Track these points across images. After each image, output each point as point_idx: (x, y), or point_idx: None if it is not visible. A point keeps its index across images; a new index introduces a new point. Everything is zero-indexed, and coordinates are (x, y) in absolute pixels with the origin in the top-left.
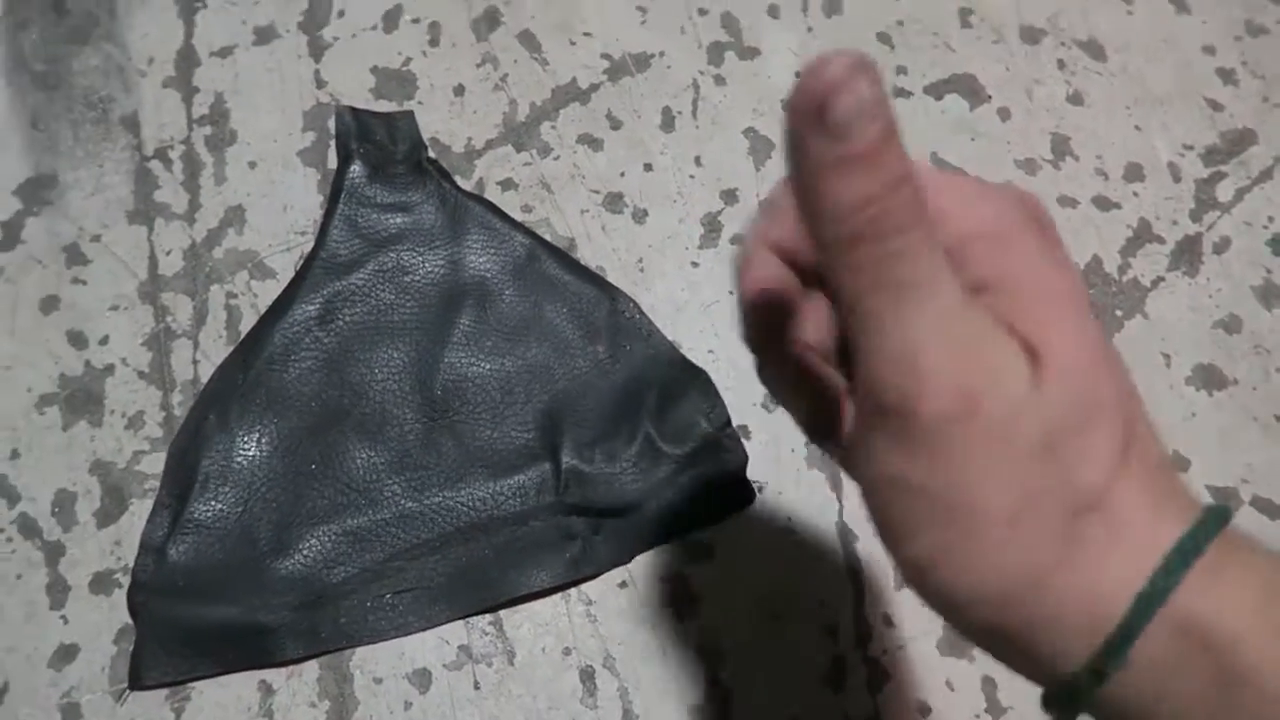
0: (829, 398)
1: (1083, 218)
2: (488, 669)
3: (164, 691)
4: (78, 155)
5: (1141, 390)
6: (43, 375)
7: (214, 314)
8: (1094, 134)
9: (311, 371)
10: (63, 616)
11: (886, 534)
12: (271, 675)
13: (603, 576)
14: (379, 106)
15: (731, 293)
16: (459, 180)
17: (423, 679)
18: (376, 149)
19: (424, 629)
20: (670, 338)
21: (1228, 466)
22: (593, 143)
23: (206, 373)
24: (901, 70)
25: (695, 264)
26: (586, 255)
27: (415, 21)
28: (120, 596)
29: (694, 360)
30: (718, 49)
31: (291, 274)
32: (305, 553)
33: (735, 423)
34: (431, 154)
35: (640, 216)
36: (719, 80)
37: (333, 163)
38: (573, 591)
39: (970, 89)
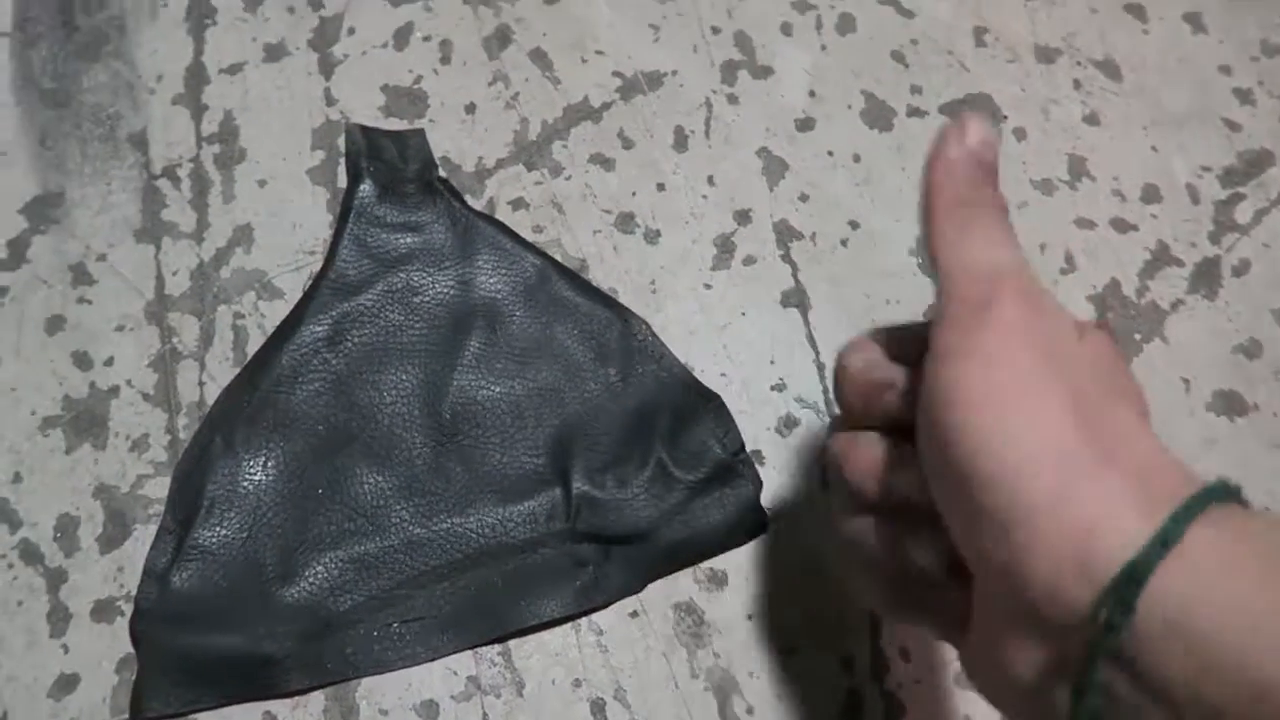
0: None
1: (1100, 239)
2: (496, 700)
3: None
4: (85, 173)
5: (1160, 415)
6: (46, 397)
7: (221, 335)
8: (1111, 155)
9: (319, 394)
10: (63, 645)
11: (959, 405)
12: (276, 706)
13: (614, 606)
14: (389, 125)
15: (745, 314)
16: (470, 199)
17: (430, 710)
18: (387, 168)
19: (431, 659)
20: (683, 360)
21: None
22: (604, 162)
23: (213, 395)
24: (916, 90)
25: (708, 285)
26: (598, 276)
27: (426, 39)
28: (122, 625)
29: (707, 384)
30: (731, 68)
31: (300, 294)
32: (311, 580)
33: (749, 448)
34: (442, 173)
35: (652, 237)
36: (732, 99)
37: (342, 181)
38: (583, 621)
39: (985, 109)
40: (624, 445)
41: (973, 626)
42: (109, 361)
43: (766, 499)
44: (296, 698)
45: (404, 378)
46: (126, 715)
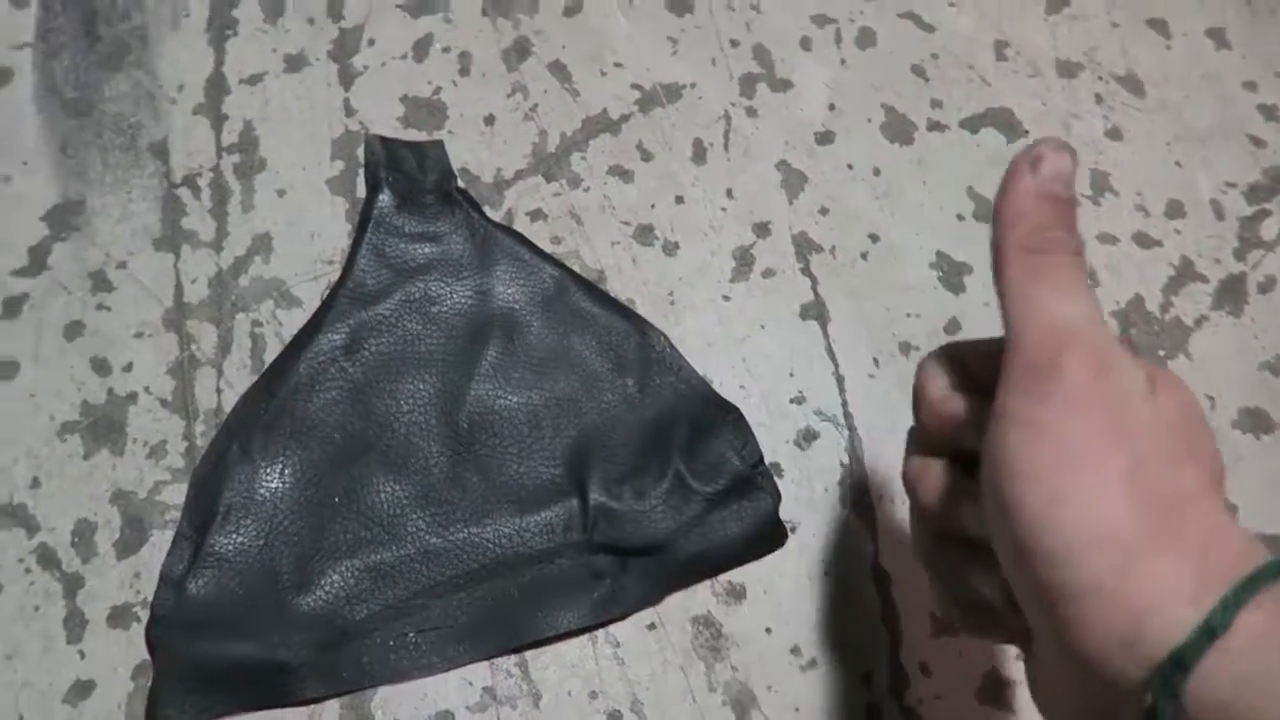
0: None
1: (1123, 255)
2: (512, 711)
3: None
4: (106, 181)
5: None
6: (65, 403)
7: (239, 342)
8: (1133, 170)
9: (336, 402)
10: (80, 651)
11: (1016, 478)
12: (292, 715)
13: (631, 618)
14: (408, 136)
15: (764, 327)
16: (488, 210)
17: None
18: (405, 178)
19: (447, 669)
20: (701, 373)
21: (1276, 512)
22: (623, 174)
23: (230, 402)
24: (936, 104)
25: (727, 298)
26: (616, 287)
27: (446, 51)
28: (138, 631)
29: (726, 396)
30: (750, 81)
31: (318, 303)
32: (327, 588)
33: (767, 460)
34: (461, 184)
35: (671, 249)
36: (751, 112)
37: (361, 192)
38: (600, 633)
39: (1006, 123)
40: (642, 456)
41: (1033, 656)
42: (127, 368)
43: (785, 511)
44: (312, 706)
45: (421, 387)
46: None
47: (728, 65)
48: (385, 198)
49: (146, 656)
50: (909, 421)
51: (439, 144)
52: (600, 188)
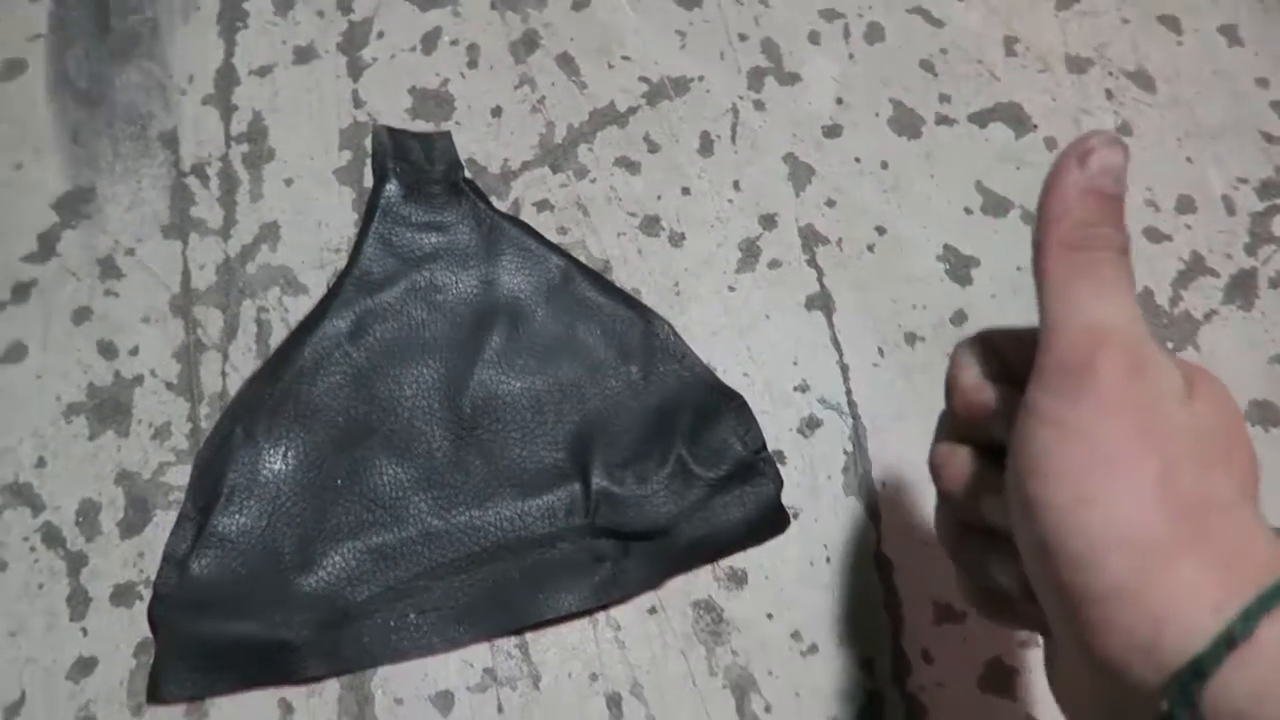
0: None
1: (1133, 250)
2: (512, 692)
3: (182, 707)
4: (116, 170)
5: None
6: (71, 384)
7: (244, 328)
8: (1144, 165)
9: (340, 387)
10: (83, 628)
11: (1041, 479)
12: (292, 693)
13: (631, 601)
14: (416, 127)
15: (769, 317)
16: (495, 201)
17: (445, 701)
18: (412, 168)
19: (448, 650)
20: (705, 361)
21: None
22: (630, 165)
23: (235, 386)
24: (945, 99)
25: (732, 288)
26: (622, 278)
27: (454, 43)
28: (141, 609)
29: (729, 384)
30: (758, 74)
31: (324, 290)
32: (329, 569)
33: (770, 448)
34: (468, 174)
35: (677, 240)
36: (758, 105)
37: (368, 181)
38: (600, 616)
39: (1015, 118)
40: (644, 442)
41: (1051, 647)
42: (134, 351)
43: (788, 498)
44: (312, 685)
45: (425, 372)
46: (144, 698)
47: (735, 59)
48: (392, 187)
49: (149, 634)
50: (913, 411)
51: (446, 135)
52: (607, 179)
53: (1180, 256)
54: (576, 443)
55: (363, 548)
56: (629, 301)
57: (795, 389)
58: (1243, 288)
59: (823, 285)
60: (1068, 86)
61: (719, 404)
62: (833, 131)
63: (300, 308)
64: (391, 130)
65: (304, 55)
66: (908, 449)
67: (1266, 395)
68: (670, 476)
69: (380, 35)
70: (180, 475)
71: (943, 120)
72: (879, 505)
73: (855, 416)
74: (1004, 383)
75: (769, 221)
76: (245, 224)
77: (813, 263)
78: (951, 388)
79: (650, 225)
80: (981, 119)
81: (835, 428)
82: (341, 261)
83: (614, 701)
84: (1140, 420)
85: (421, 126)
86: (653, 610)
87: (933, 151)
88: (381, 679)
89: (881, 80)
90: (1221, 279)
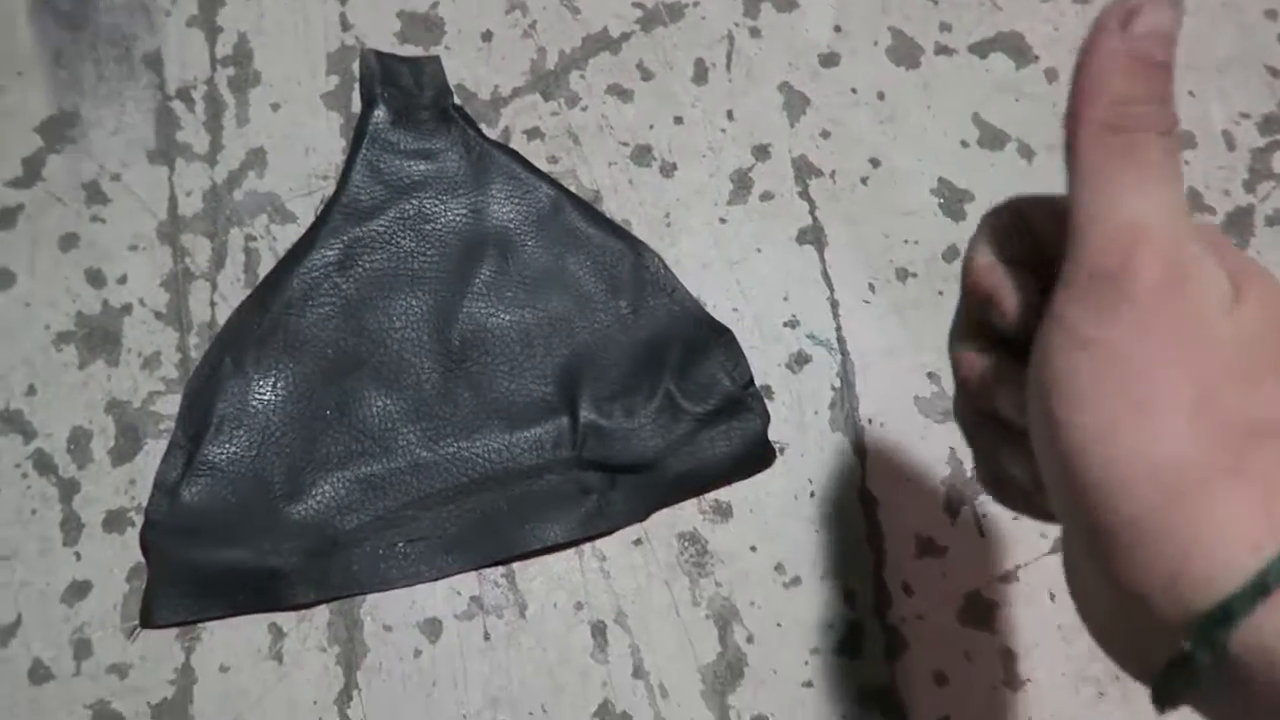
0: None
1: None
2: (498, 620)
3: (175, 631)
4: (100, 94)
5: None
6: (60, 313)
7: (233, 256)
8: None
9: (329, 317)
10: (76, 553)
11: (1066, 401)
12: (282, 618)
13: (617, 533)
14: (405, 51)
15: (760, 250)
16: (484, 128)
17: (433, 628)
18: (401, 94)
19: (435, 579)
20: (695, 295)
21: None
22: (622, 93)
23: (224, 315)
24: (945, 27)
25: (723, 220)
26: (612, 208)
27: None
28: (133, 535)
29: (719, 318)
30: (754, 0)
31: (312, 218)
32: (318, 498)
33: (758, 383)
34: (457, 101)
35: (669, 170)
36: (754, 33)
37: (356, 107)
38: (586, 547)
39: (1017, 48)
40: (633, 376)
41: (1068, 548)
42: (122, 280)
43: (775, 433)
44: (302, 611)
45: (414, 303)
46: (136, 622)
47: None
48: (380, 113)
49: (141, 560)
50: (904, 348)
51: (435, 60)
52: (599, 107)
53: None
54: (565, 376)
55: (352, 477)
56: (619, 233)
57: (785, 324)
58: (1239, 225)
59: (815, 218)
60: (1071, 16)
61: (708, 339)
62: (830, 60)
63: (288, 236)
64: (380, 54)
65: None
66: (896, 386)
67: None
68: (658, 410)
69: None
70: (170, 404)
71: (942, 50)
72: (865, 441)
73: (844, 353)
74: (1026, 266)
75: (762, 152)
76: (232, 150)
77: (805, 195)
78: (965, 264)
79: (642, 155)
80: (982, 49)
81: (824, 364)
82: (330, 189)
83: (598, 630)
84: (1177, 337)
85: (410, 51)
86: (638, 541)
87: (931, 82)
88: (370, 606)
89: (881, 8)
90: (1218, 216)
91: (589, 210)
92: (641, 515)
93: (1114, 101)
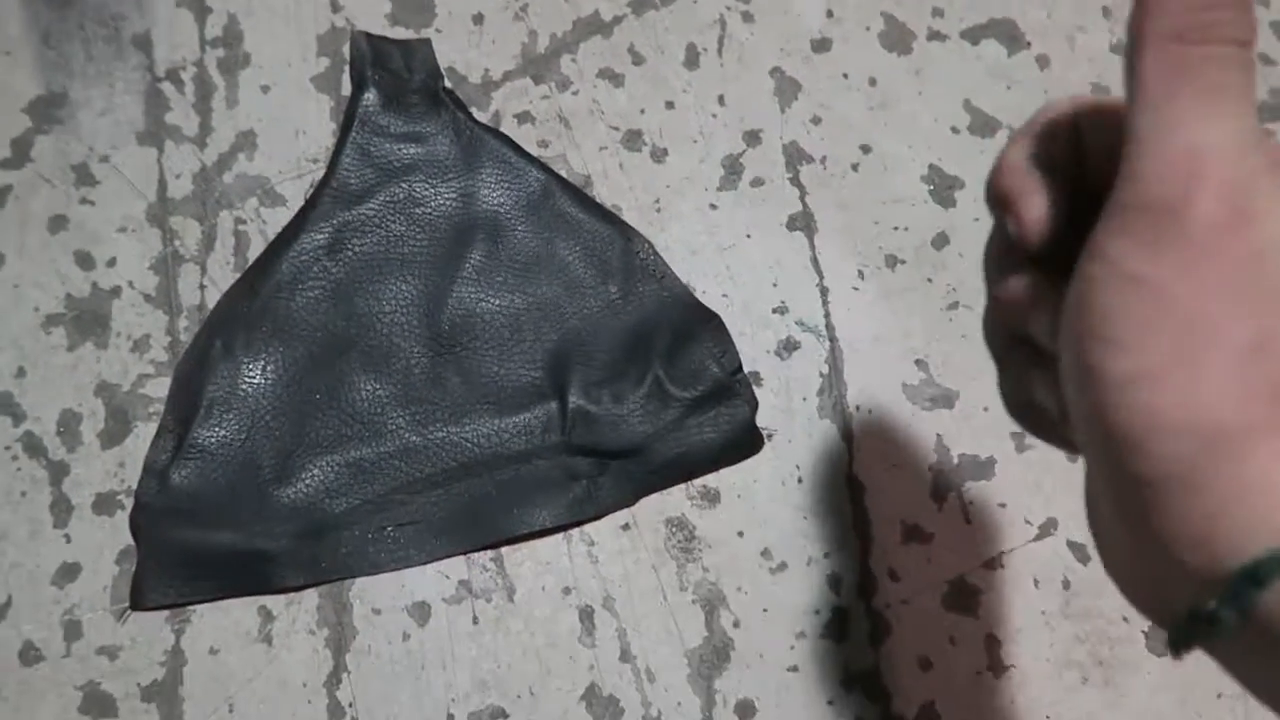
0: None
1: None
2: (487, 605)
3: (165, 613)
4: (89, 74)
5: None
6: (50, 295)
7: (222, 240)
8: None
9: (319, 301)
10: (65, 535)
11: (1105, 340)
12: (271, 601)
13: (606, 518)
14: (395, 33)
15: (749, 236)
16: (475, 112)
17: (422, 612)
18: (392, 77)
19: (424, 563)
20: (685, 280)
21: None
22: (613, 78)
23: (213, 298)
24: (938, 13)
25: (714, 206)
26: (602, 193)
27: None
28: (123, 518)
29: (708, 304)
30: None
31: (302, 201)
32: (307, 482)
33: (747, 369)
34: (448, 84)
35: (659, 155)
36: (747, 17)
37: (346, 90)
38: (574, 532)
39: (1009, 35)
40: (622, 362)
41: (1092, 489)
42: (111, 262)
43: (763, 419)
44: (291, 594)
45: (403, 288)
46: (126, 604)
47: None
48: (371, 96)
49: (131, 542)
50: (892, 335)
51: (426, 42)
52: (590, 91)
53: None
54: (554, 362)
55: (341, 461)
56: (609, 218)
57: (774, 311)
58: None
59: (805, 205)
60: (1064, 4)
61: (697, 325)
62: (822, 46)
63: (278, 219)
64: (370, 36)
65: None
66: (884, 373)
67: None
68: (646, 396)
69: None
70: (160, 388)
71: (935, 36)
72: (853, 428)
73: (833, 340)
74: (1063, 177)
75: (753, 138)
76: (221, 132)
77: (796, 181)
78: (994, 169)
79: (632, 140)
80: (974, 35)
81: (812, 350)
82: (319, 172)
83: (586, 614)
84: (1234, 282)
85: (401, 33)
86: (626, 527)
87: (923, 68)
88: (359, 589)
89: None
90: None
91: (579, 195)
92: (630, 500)
93: (1186, 9)
